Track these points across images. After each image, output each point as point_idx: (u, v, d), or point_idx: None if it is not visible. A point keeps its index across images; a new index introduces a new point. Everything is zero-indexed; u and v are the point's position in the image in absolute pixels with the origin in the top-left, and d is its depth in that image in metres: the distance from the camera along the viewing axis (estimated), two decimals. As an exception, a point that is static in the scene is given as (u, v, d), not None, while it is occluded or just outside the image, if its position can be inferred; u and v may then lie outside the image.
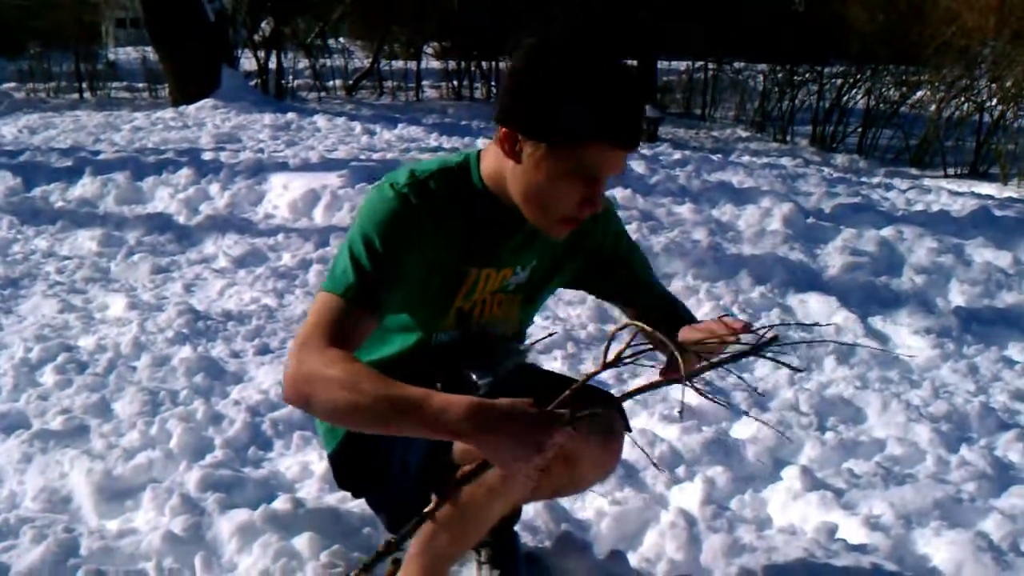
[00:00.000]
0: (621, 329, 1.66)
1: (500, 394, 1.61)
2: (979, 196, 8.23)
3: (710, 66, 17.12)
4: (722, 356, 1.69)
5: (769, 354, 1.64)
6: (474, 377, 1.92)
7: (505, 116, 1.71)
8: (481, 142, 9.03)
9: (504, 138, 1.71)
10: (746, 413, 3.21)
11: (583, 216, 1.75)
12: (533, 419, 1.49)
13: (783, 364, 1.70)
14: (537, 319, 2.23)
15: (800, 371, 1.62)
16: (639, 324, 1.64)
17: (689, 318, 2.03)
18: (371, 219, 1.74)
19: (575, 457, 1.80)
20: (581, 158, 1.66)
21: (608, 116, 1.64)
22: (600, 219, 1.96)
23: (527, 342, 2.20)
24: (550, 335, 3.72)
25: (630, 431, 1.96)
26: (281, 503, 2.49)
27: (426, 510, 1.66)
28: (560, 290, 2.22)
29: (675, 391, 3.48)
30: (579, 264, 2.05)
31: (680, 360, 1.62)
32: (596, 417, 1.62)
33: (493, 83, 16.95)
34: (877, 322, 4.40)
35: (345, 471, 2.07)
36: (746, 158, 10.25)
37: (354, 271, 1.69)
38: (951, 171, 12.21)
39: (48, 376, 3.42)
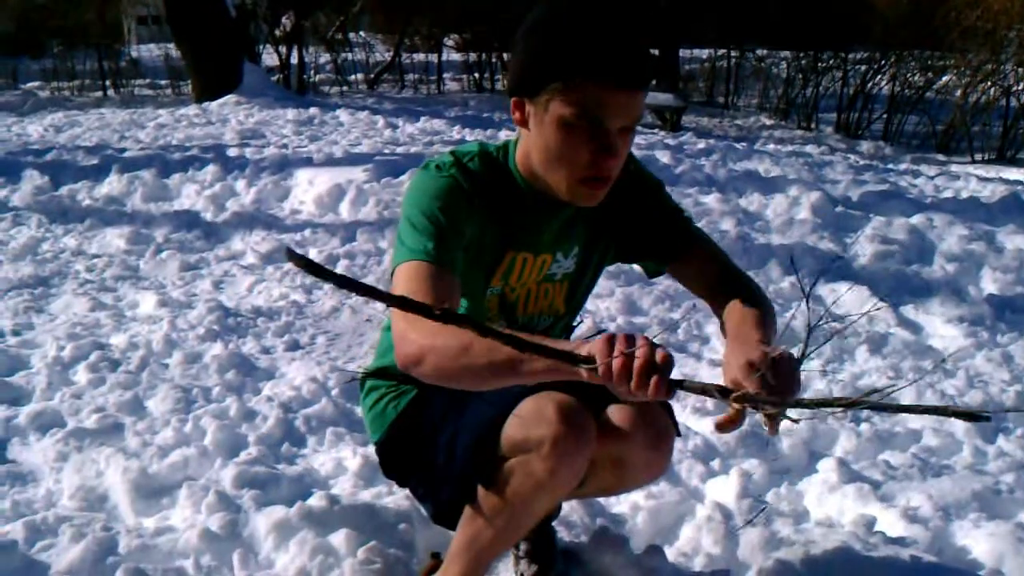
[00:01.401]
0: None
1: (548, 388, 1.61)
2: (1008, 182, 8.14)
3: (733, 54, 17.02)
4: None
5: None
6: None
7: (510, 88, 1.74)
8: (503, 134, 9.01)
9: (514, 109, 1.73)
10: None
11: (605, 171, 1.68)
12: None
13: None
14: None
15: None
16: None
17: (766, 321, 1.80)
18: (423, 194, 1.76)
19: (624, 459, 1.81)
20: (578, 103, 1.61)
21: (585, 48, 1.60)
22: (637, 185, 1.96)
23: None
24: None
25: (680, 435, 1.95)
26: (316, 500, 2.49)
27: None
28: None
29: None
30: (622, 237, 2.00)
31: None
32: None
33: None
34: (909, 311, 4.37)
35: (392, 459, 2.06)
36: (771, 146, 10.19)
37: (424, 235, 1.69)
38: (978, 157, 12.10)
39: (81, 374, 3.43)
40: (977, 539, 2.45)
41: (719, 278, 1.93)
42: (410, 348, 1.59)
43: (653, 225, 1.97)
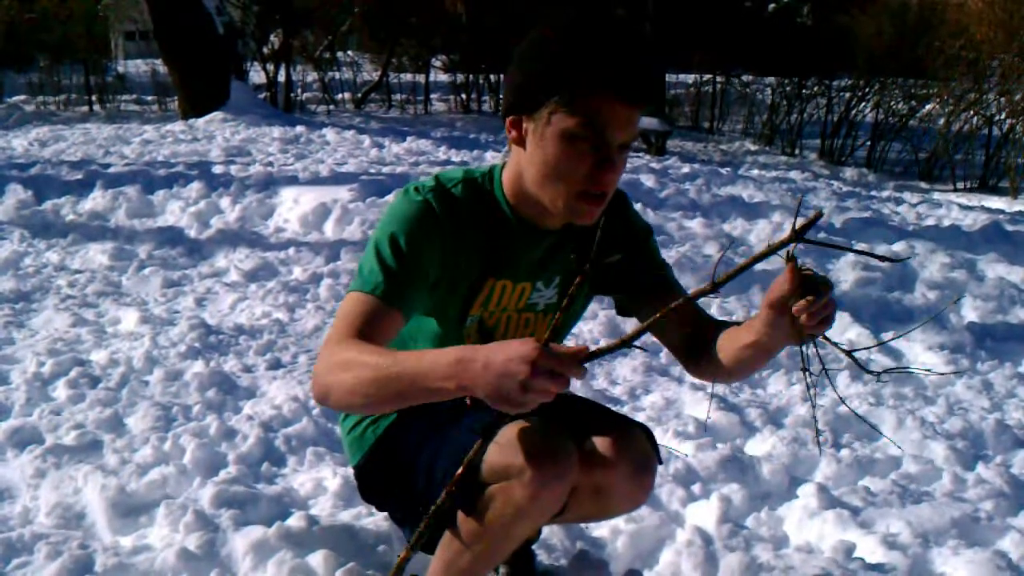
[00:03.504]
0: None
1: (531, 416, 1.62)
2: (990, 210, 8.22)
3: (718, 79, 17.13)
4: (766, 248, 1.47)
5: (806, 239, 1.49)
6: None
7: (506, 107, 1.76)
8: (490, 155, 9.04)
9: (510, 128, 1.75)
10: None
11: (603, 185, 1.69)
12: (521, 348, 1.42)
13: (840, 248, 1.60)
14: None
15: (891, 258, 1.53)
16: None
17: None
18: (396, 220, 1.77)
19: (606, 488, 1.80)
20: (582, 114, 1.63)
21: (592, 61, 1.62)
22: (627, 226, 1.97)
23: None
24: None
25: (661, 462, 1.95)
26: (295, 520, 2.48)
27: (433, 508, 1.64)
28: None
29: (691, 408, 3.47)
30: (601, 272, 1.96)
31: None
32: (603, 355, 1.54)
33: (501, 96, 16.93)
34: (890, 338, 4.38)
35: (370, 483, 2.06)
36: (755, 172, 10.25)
37: (381, 269, 1.71)
38: (960, 185, 12.21)
39: (61, 391, 3.41)
40: (956, 566, 2.45)
41: (695, 325, 1.92)
42: (318, 384, 1.65)
43: (635, 267, 1.96)
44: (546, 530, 2.46)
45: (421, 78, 17.92)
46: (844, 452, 3.14)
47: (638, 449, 1.86)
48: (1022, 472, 3.11)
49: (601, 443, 1.83)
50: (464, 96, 17.70)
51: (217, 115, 10.81)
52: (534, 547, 2.32)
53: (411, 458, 1.88)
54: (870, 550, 2.52)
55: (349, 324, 1.67)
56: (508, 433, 1.69)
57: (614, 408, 2.15)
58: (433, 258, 1.76)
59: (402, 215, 1.77)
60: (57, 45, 16.97)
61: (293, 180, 6.86)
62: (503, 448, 1.69)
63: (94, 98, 16.40)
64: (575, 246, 1.90)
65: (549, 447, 1.67)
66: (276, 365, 3.80)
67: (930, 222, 7.02)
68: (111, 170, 7.33)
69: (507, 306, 1.91)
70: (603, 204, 1.73)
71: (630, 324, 4.30)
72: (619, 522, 2.58)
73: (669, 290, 1.96)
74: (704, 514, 2.70)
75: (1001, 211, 8.41)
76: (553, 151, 1.68)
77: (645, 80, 1.66)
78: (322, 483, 2.78)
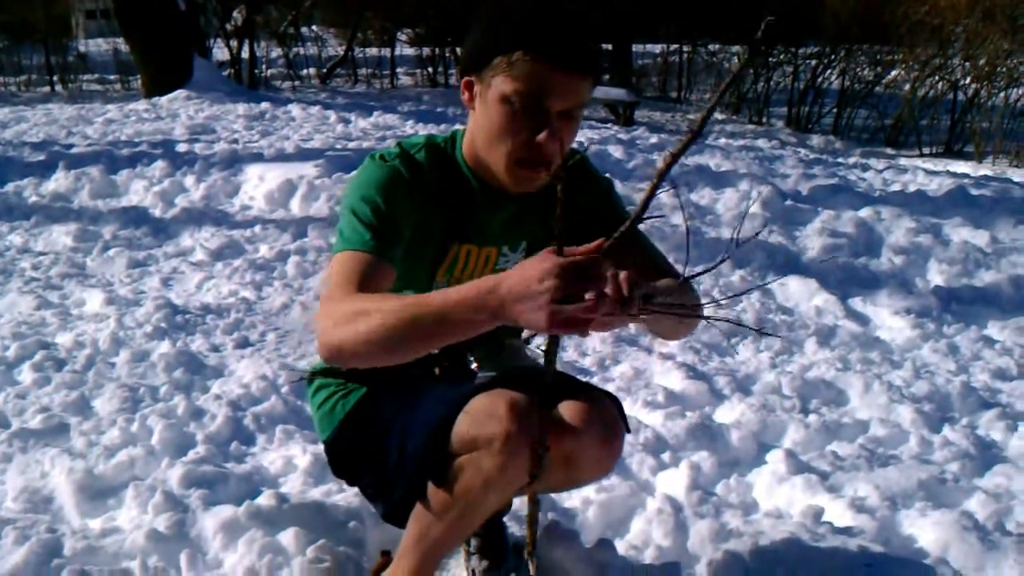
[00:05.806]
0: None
1: (502, 386, 1.61)
2: (955, 175, 8.27)
3: (685, 49, 17.12)
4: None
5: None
6: (476, 367, 1.91)
7: (460, 68, 1.76)
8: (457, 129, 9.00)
9: (463, 89, 1.75)
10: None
11: (543, 154, 1.67)
12: (538, 266, 1.34)
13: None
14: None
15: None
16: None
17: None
18: (368, 184, 1.76)
19: (574, 456, 1.81)
20: (518, 80, 1.62)
21: (532, 28, 1.61)
22: (586, 182, 1.96)
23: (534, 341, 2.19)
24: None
25: (629, 431, 1.95)
26: (265, 499, 2.47)
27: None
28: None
29: (660, 377, 3.49)
30: (575, 235, 1.96)
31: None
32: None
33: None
34: (857, 303, 4.42)
35: (341, 458, 2.05)
36: (723, 141, 10.26)
37: (365, 227, 1.69)
38: (926, 150, 12.29)
39: (26, 374, 3.38)
40: (923, 528, 2.48)
41: (657, 277, 1.90)
42: (329, 339, 1.57)
43: (600, 223, 1.95)
44: (517, 501, 2.46)
45: (387, 52, 17.83)
46: (812, 418, 3.17)
47: (605, 417, 1.85)
48: (988, 433, 3.15)
49: (569, 412, 1.83)
50: (431, 69, 17.63)
51: (180, 93, 10.70)
52: (506, 519, 2.33)
53: (383, 431, 1.87)
54: (838, 514, 2.55)
55: (347, 281, 1.63)
56: (476, 404, 1.69)
57: (584, 379, 2.15)
58: (407, 220, 1.75)
59: (374, 179, 1.76)
60: (17, 25, 16.74)
61: (258, 157, 6.80)
62: (471, 418, 1.68)
63: (55, 78, 16.22)
64: (540, 211, 1.89)
65: (518, 417, 1.67)
66: (244, 344, 3.78)
67: (896, 187, 7.05)
68: (74, 151, 7.23)
69: (474, 272, 1.90)
70: (545, 172, 1.71)
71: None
72: (590, 492, 2.59)
73: (641, 240, 1.95)
74: (674, 482, 2.71)
75: (966, 175, 8.46)
76: (494, 114, 1.67)
77: (581, 49, 1.63)
78: (292, 461, 2.77)
